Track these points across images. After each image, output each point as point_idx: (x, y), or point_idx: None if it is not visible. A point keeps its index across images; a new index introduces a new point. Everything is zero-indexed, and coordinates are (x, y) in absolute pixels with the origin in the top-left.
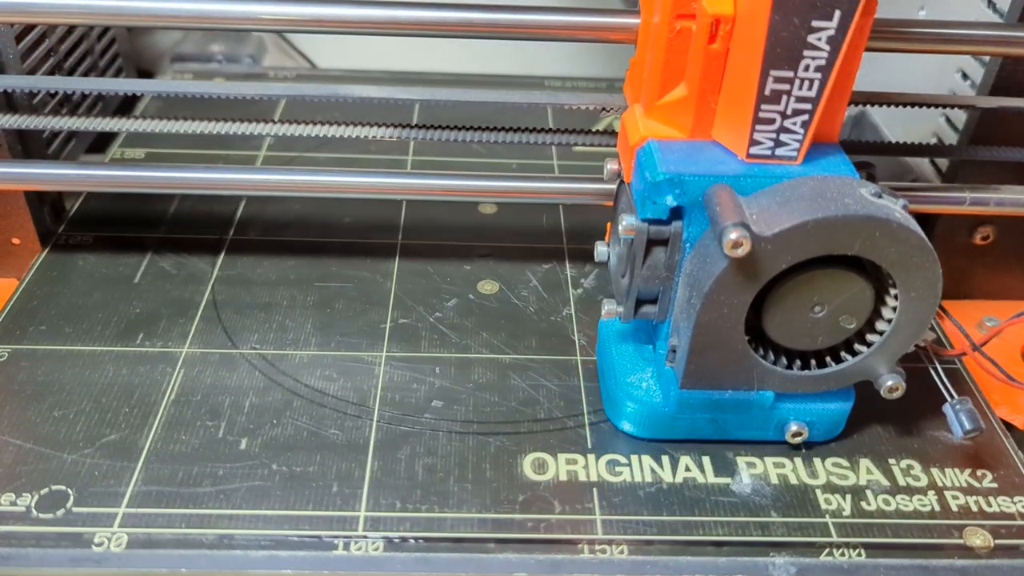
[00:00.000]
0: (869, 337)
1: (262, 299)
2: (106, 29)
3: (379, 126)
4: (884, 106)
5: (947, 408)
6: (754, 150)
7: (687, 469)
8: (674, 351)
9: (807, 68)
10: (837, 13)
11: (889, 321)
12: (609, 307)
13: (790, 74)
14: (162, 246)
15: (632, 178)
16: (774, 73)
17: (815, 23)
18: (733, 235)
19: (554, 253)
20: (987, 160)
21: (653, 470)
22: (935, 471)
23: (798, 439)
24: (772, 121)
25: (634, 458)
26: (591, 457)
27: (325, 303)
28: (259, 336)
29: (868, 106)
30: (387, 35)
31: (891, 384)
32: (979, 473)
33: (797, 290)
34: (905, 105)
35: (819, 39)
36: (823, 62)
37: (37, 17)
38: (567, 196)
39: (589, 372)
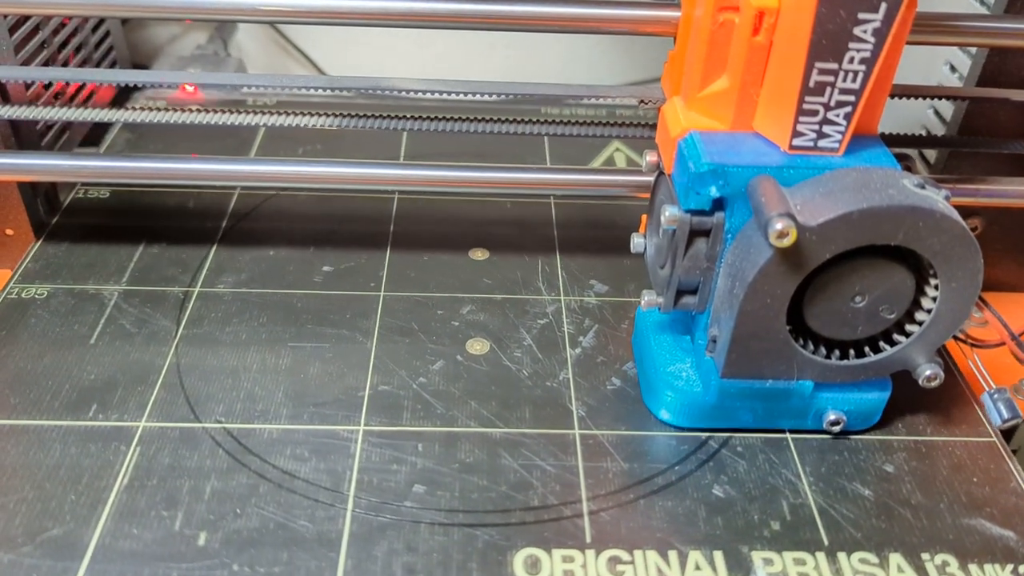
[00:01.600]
0: (908, 327)
1: (230, 363)
2: (100, 22)
3: (375, 117)
4: None
5: (985, 397)
6: (797, 141)
7: (697, 567)
8: (714, 341)
9: (852, 60)
10: (883, 6)
11: (929, 311)
12: (649, 297)
13: (835, 66)
14: (123, 300)
15: (674, 169)
16: (819, 65)
17: (861, 15)
18: (779, 225)
19: (550, 305)
20: (975, 151)
21: (659, 569)
22: (974, 568)
23: (836, 428)
24: (815, 113)
25: (638, 554)
26: (590, 554)
27: (299, 367)
28: (225, 407)
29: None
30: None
31: (929, 373)
32: (1022, 570)
33: (839, 280)
34: (891, 96)
35: (865, 31)
36: (868, 54)
37: (31, 9)
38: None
39: (588, 449)
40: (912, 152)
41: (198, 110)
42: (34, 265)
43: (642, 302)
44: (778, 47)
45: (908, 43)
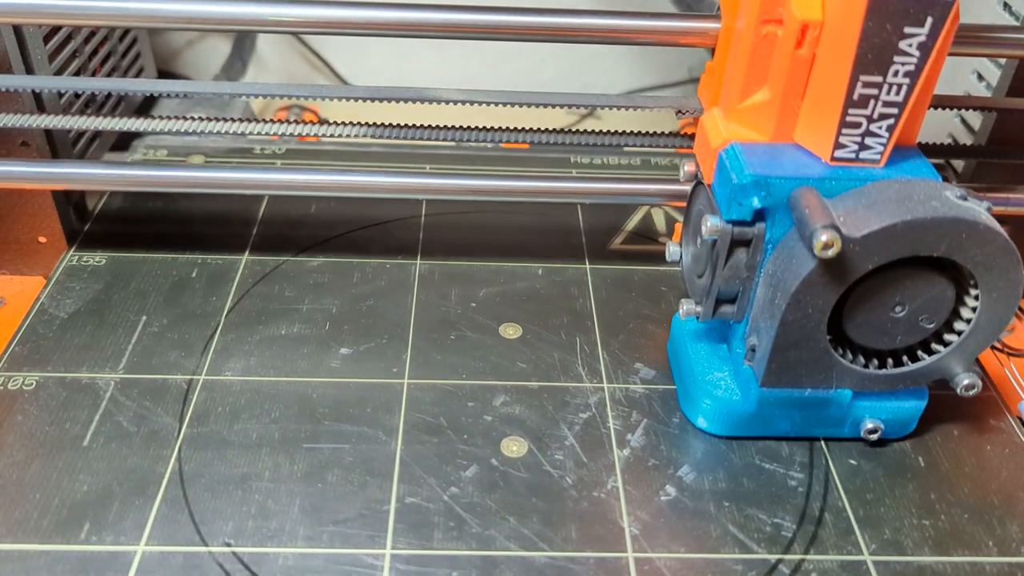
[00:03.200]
0: (947, 337)
1: (239, 468)
2: (127, 30)
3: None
4: None
5: (1022, 407)
6: (838, 153)
7: None
8: (753, 350)
9: (896, 73)
10: (929, 19)
11: (968, 321)
12: (688, 306)
13: (879, 79)
14: (120, 392)
15: (714, 180)
16: (864, 78)
17: (907, 29)
18: (824, 236)
19: (592, 395)
20: (1003, 162)
21: None
22: None
23: (873, 436)
24: (858, 125)
25: None
26: None
27: (316, 473)
28: (234, 525)
29: None
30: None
31: (967, 383)
32: None
33: (880, 291)
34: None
35: (910, 45)
36: (912, 67)
37: (61, 19)
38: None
39: None
40: (939, 162)
41: (209, 126)
42: (22, 349)
43: (680, 311)
44: (821, 60)
45: None
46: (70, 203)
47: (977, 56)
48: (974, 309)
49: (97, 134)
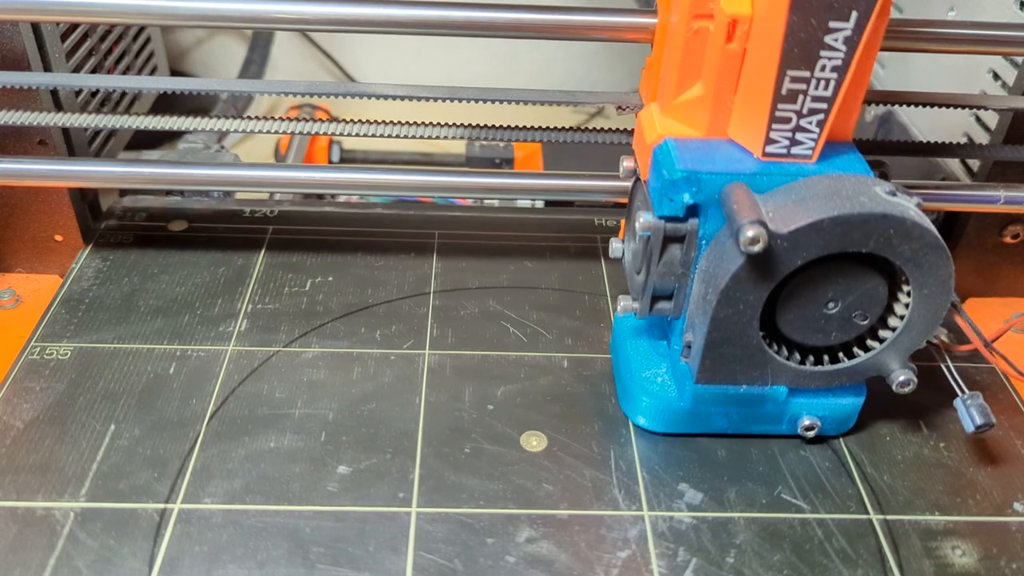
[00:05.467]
0: (882, 333)
1: None
2: (141, 29)
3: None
4: (912, 106)
5: (958, 403)
6: (770, 148)
7: None
8: (689, 347)
9: (823, 68)
10: (854, 14)
11: (901, 317)
12: (625, 303)
13: (807, 74)
14: (80, 526)
15: (649, 176)
16: (791, 73)
17: (832, 24)
18: (750, 232)
19: (631, 526)
20: (1018, 160)
21: None
22: None
23: (810, 433)
24: (788, 120)
25: None
26: None
27: None
28: None
29: (896, 106)
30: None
31: (903, 379)
32: None
33: (811, 287)
34: (933, 105)
35: (836, 40)
36: (839, 62)
37: (79, 16)
38: (581, 192)
39: None
40: (954, 160)
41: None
42: None
43: (618, 307)
44: (751, 55)
45: (954, 52)
46: (86, 202)
47: (993, 54)
48: (907, 305)
49: (112, 133)
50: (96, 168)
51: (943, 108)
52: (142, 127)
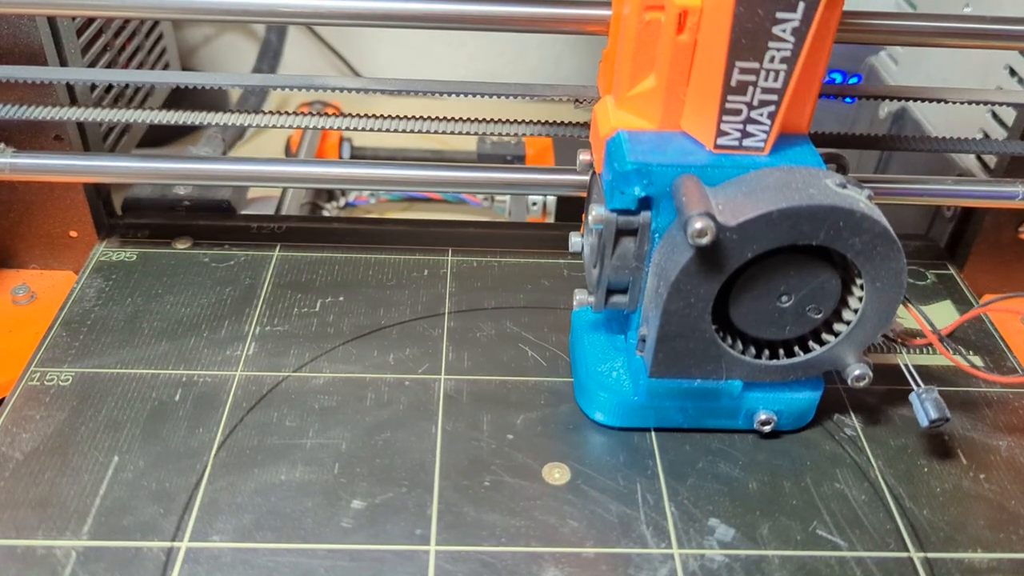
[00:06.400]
0: (836, 327)
1: None
2: (154, 24)
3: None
4: (925, 101)
5: (913, 397)
6: (721, 141)
7: None
8: (643, 340)
9: (772, 59)
10: (801, 5)
11: (855, 311)
12: (580, 296)
13: (756, 65)
14: (83, 567)
15: (603, 169)
16: (740, 64)
17: (779, 15)
18: (698, 224)
19: (660, 565)
20: None
21: None
22: None
23: (766, 428)
24: (739, 112)
25: None
26: None
27: None
28: None
29: (909, 101)
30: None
31: (858, 373)
32: None
33: (764, 280)
34: (944, 102)
35: (784, 30)
36: (788, 53)
37: (96, 11)
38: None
39: None
40: (970, 156)
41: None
42: None
43: (574, 301)
44: (702, 46)
45: (970, 47)
46: (100, 197)
47: (1009, 49)
48: (860, 299)
49: (126, 129)
50: (113, 163)
51: (953, 104)
52: (158, 121)
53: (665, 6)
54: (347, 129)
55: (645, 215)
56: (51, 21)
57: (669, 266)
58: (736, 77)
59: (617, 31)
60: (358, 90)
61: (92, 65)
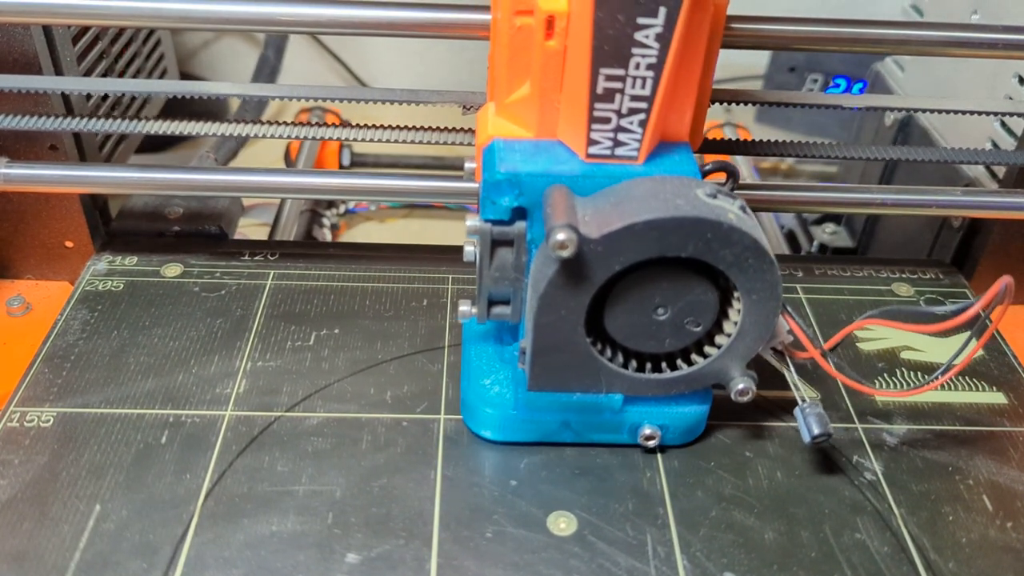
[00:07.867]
0: (718, 339)
1: None
2: (151, 32)
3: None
4: (932, 112)
5: (797, 412)
6: (593, 150)
7: None
8: (524, 353)
9: (638, 66)
10: (663, 10)
11: (736, 323)
12: (464, 307)
13: (621, 72)
14: None
15: (480, 177)
16: (604, 71)
17: (640, 20)
18: (560, 236)
19: None
20: None
21: None
22: None
23: (651, 443)
24: (608, 120)
25: None
26: None
27: None
28: None
29: (915, 112)
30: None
31: (742, 387)
32: None
33: (637, 292)
34: (949, 112)
35: (647, 36)
36: (654, 60)
37: (92, 19)
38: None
39: None
40: (979, 167)
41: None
42: None
43: (458, 312)
44: (570, 53)
45: (979, 57)
46: (96, 207)
47: (1018, 59)
48: (740, 311)
49: (122, 138)
50: (109, 173)
51: (960, 114)
52: (154, 131)
53: (534, 11)
54: (347, 139)
55: (520, 225)
56: (46, 29)
57: (539, 278)
58: (602, 84)
59: (495, 37)
60: (359, 100)
61: (88, 73)
